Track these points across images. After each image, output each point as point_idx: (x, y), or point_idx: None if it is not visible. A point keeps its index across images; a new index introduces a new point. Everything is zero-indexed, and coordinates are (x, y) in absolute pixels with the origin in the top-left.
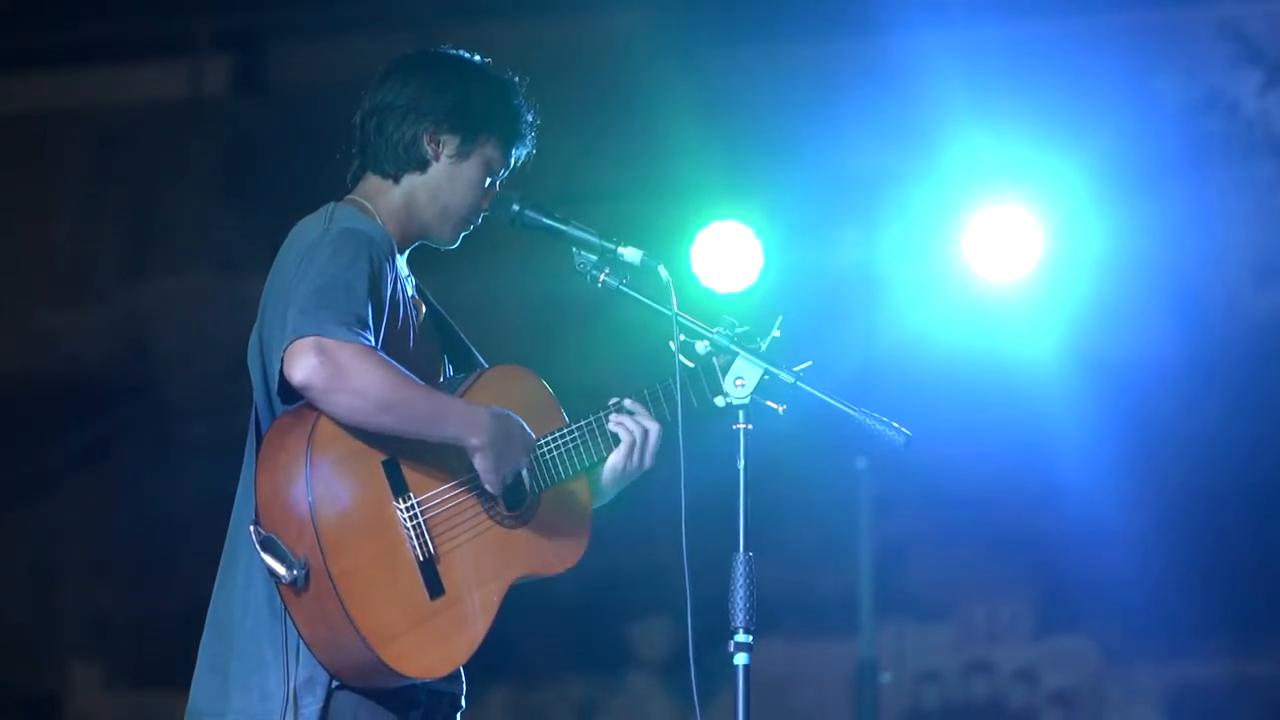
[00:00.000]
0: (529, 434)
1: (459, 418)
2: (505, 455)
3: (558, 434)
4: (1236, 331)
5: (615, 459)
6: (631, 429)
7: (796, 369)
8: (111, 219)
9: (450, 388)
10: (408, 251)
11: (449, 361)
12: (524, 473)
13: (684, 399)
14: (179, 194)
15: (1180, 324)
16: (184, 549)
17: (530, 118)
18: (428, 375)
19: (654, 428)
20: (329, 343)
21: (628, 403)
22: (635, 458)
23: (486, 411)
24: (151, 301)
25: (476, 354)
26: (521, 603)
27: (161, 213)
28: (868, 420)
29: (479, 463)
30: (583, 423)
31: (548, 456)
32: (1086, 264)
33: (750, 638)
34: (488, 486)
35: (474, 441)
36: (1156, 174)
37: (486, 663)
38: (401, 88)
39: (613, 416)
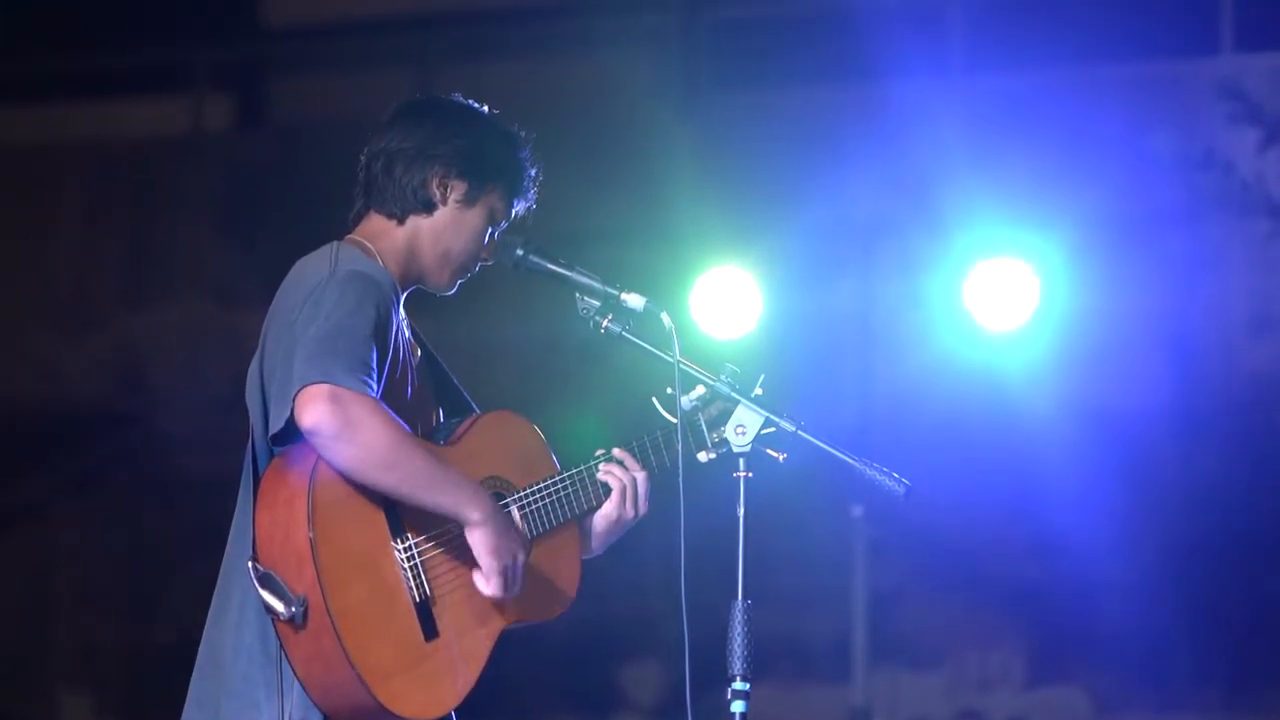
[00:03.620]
0: (524, 533)
1: (461, 490)
2: (504, 539)
3: (549, 482)
4: (1233, 383)
5: (608, 508)
6: (621, 477)
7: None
8: (110, 250)
9: (444, 433)
10: (405, 294)
11: (441, 406)
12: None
13: (669, 455)
14: (177, 226)
15: (1177, 375)
16: (176, 581)
17: (534, 172)
18: (422, 420)
19: (642, 476)
20: (343, 393)
21: (616, 452)
22: (628, 506)
23: (487, 493)
24: (148, 332)
25: (469, 399)
26: (514, 645)
27: (159, 244)
28: (868, 470)
29: (476, 539)
30: (573, 471)
31: (539, 504)
32: (1083, 315)
33: (747, 685)
34: (482, 565)
35: (474, 516)
36: (1153, 227)
37: (478, 705)
38: (413, 131)
39: (602, 466)
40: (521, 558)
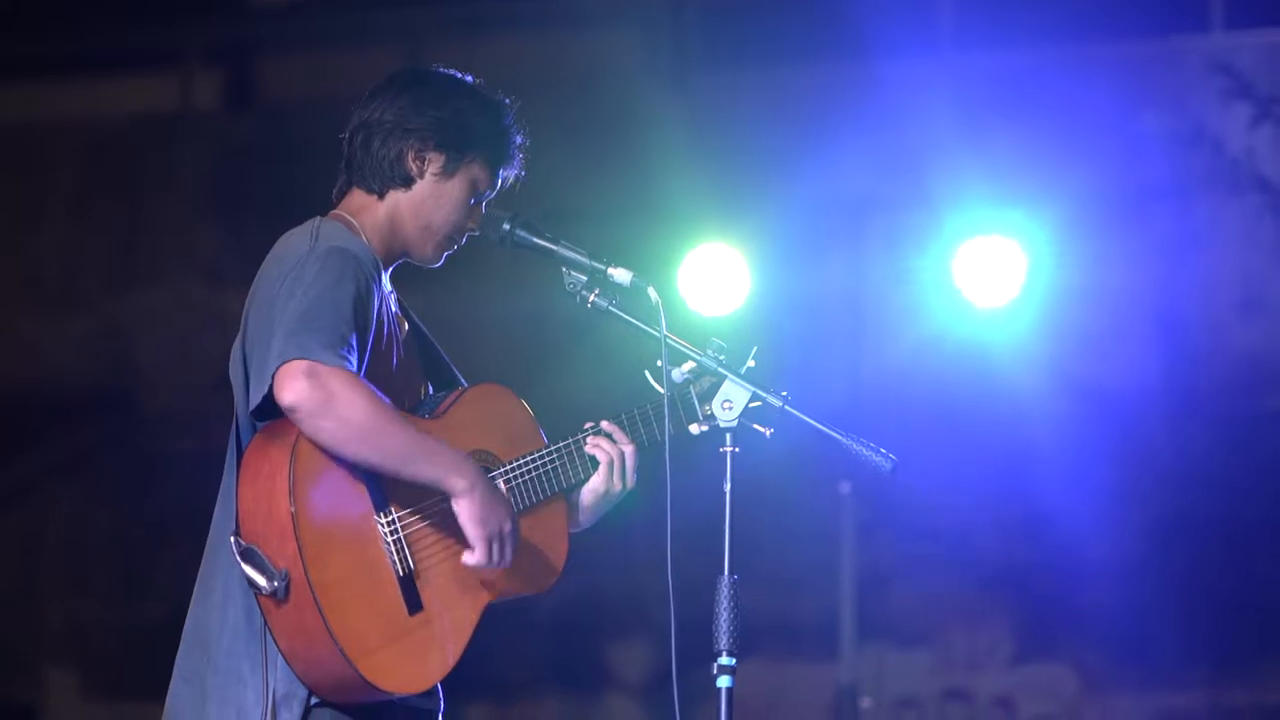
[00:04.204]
0: (509, 501)
1: (444, 459)
2: (491, 507)
3: (536, 455)
4: (1221, 362)
5: (596, 481)
6: (609, 450)
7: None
8: (98, 230)
9: (430, 406)
10: (391, 269)
11: (429, 380)
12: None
13: (660, 428)
14: (165, 206)
15: (1165, 354)
16: (164, 561)
17: (519, 140)
18: (409, 394)
19: (630, 449)
20: (320, 368)
21: (604, 425)
22: (616, 479)
23: (473, 461)
24: (136, 313)
25: (457, 372)
26: (501, 620)
27: (147, 224)
28: (854, 446)
29: (463, 508)
30: (560, 445)
31: (526, 478)
32: (1072, 292)
33: (734, 660)
34: (468, 534)
35: (459, 485)
36: (1143, 204)
37: (464, 680)
38: (390, 104)
39: (590, 439)
40: (509, 527)
